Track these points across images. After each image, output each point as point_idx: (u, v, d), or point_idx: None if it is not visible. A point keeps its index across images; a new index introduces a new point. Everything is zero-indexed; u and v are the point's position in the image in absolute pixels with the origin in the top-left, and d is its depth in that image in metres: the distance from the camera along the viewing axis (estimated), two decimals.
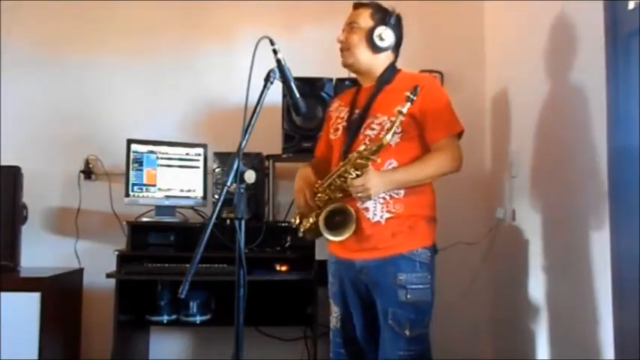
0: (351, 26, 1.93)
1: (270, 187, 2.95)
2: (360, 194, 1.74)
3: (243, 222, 1.53)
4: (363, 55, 1.91)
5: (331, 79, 2.86)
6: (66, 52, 3.20)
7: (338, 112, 2.03)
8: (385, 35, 1.89)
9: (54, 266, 2.93)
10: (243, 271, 1.51)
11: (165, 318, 2.85)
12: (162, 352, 3.11)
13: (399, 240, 1.80)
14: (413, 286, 1.77)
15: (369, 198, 1.76)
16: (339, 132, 1.96)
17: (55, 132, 3.14)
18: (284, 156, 2.86)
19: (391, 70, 1.94)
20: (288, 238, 2.86)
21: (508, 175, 2.68)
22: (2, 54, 3.12)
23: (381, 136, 1.75)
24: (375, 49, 1.90)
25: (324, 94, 2.83)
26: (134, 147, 2.87)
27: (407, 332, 1.77)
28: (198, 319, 2.84)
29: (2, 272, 2.65)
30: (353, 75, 2.10)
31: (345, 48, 1.93)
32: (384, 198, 1.80)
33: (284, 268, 2.67)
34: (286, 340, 3.04)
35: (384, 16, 1.92)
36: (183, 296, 1.41)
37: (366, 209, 1.81)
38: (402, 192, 1.81)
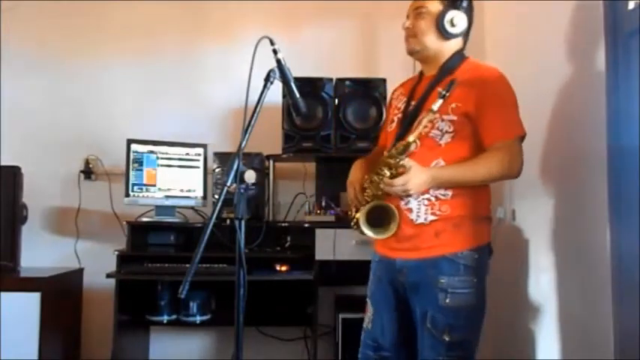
0: (418, 11, 1.78)
1: (270, 187, 2.95)
2: (400, 194, 1.67)
3: (243, 222, 1.53)
4: (432, 43, 1.78)
5: (331, 79, 2.87)
6: (66, 51, 3.20)
7: (397, 101, 1.90)
8: (457, 20, 1.75)
9: (54, 266, 2.93)
10: (243, 271, 1.51)
11: (165, 318, 2.86)
12: (162, 352, 3.11)
13: (442, 240, 1.70)
14: (455, 290, 1.67)
15: (409, 197, 1.69)
16: (394, 124, 1.84)
17: (55, 132, 3.15)
18: (284, 156, 2.86)
19: (458, 58, 1.79)
20: (288, 238, 2.86)
21: None
22: (2, 54, 3.12)
23: (416, 135, 1.67)
24: (446, 35, 1.76)
25: (324, 94, 2.83)
26: (134, 147, 2.88)
27: (446, 337, 1.66)
28: (198, 319, 2.84)
29: (2, 272, 2.65)
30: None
31: (412, 35, 1.79)
32: (428, 199, 1.70)
33: (284, 268, 2.67)
34: (286, 340, 3.05)
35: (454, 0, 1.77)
36: (183, 296, 1.41)
37: (410, 210, 1.71)
38: (449, 193, 1.70)
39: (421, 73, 1.89)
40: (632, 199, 1.55)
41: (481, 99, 1.69)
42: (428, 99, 1.74)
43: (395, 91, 2.00)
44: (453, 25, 1.75)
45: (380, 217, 1.73)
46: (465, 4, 1.78)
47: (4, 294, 2.54)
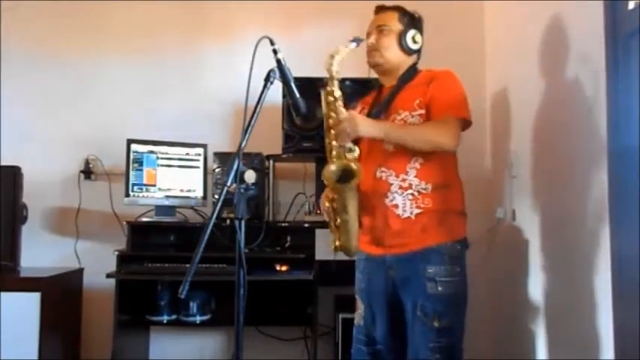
0: (380, 29, 1.97)
1: (270, 187, 2.95)
2: (348, 129, 1.77)
3: (243, 222, 1.53)
4: (394, 57, 1.96)
5: None
6: (66, 51, 3.20)
7: (362, 113, 2.03)
8: (418, 39, 1.97)
9: (54, 266, 2.93)
10: (243, 271, 1.51)
11: (165, 318, 2.86)
12: (162, 352, 3.11)
13: (428, 234, 1.83)
14: (442, 279, 1.79)
15: (355, 133, 1.78)
16: None
17: (55, 132, 3.15)
18: (284, 156, 2.86)
19: (413, 70, 1.99)
20: (288, 238, 2.86)
21: (508, 175, 2.68)
22: (2, 54, 3.12)
23: None
24: (408, 51, 1.96)
25: None
26: (134, 147, 2.88)
27: (435, 324, 1.78)
28: (198, 319, 2.84)
29: (2, 272, 2.65)
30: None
31: (375, 49, 1.97)
32: (412, 194, 1.83)
33: (284, 268, 2.67)
34: (286, 340, 3.05)
35: (412, 20, 1.99)
36: (183, 296, 1.41)
37: (396, 206, 1.84)
38: (429, 187, 1.84)
39: (382, 86, 2.05)
40: (632, 199, 1.55)
41: (433, 89, 1.88)
42: (393, 104, 1.92)
43: (355, 107, 2.11)
44: (415, 42, 1.97)
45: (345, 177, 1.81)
46: (420, 25, 2.02)
47: (4, 294, 2.54)
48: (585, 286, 1.92)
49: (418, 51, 2.01)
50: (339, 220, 1.85)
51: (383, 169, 1.87)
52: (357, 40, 1.87)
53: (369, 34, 2.00)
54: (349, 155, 1.80)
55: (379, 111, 1.94)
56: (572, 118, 2.05)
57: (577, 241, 1.99)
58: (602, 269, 1.79)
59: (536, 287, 2.38)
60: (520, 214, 2.58)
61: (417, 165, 1.85)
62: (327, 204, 1.90)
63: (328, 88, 1.84)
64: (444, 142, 1.83)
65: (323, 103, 1.86)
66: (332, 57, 1.84)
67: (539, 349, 2.33)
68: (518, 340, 2.53)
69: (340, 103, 1.83)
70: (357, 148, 1.82)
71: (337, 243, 1.88)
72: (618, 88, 1.64)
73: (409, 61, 1.99)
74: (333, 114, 1.83)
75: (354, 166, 1.78)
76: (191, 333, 3.12)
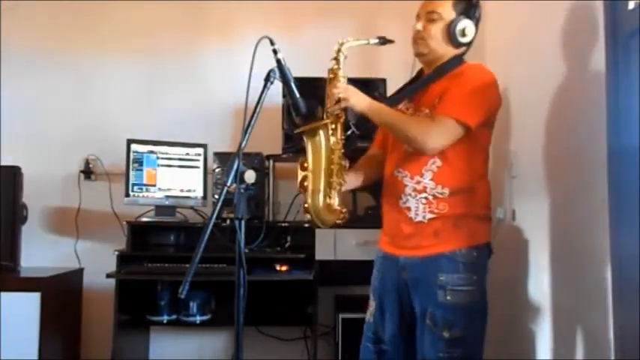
0: (429, 16, 1.79)
1: (270, 187, 2.95)
2: (341, 95, 1.72)
3: (243, 222, 1.53)
4: (440, 47, 1.80)
5: None
6: (66, 51, 3.20)
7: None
8: (468, 31, 1.78)
9: (54, 266, 2.93)
10: (243, 271, 1.51)
11: (165, 318, 2.86)
12: (162, 352, 3.11)
13: (441, 238, 1.74)
14: (454, 287, 1.70)
15: (346, 102, 1.72)
16: None
17: (55, 132, 3.15)
18: (284, 156, 2.86)
19: (455, 61, 1.81)
20: (288, 238, 2.86)
21: (508, 175, 2.68)
22: (2, 53, 3.12)
23: None
24: (456, 43, 1.79)
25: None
26: (134, 147, 2.88)
27: (445, 334, 1.69)
28: (198, 319, 2.84)
29: (2, 272, 2.65)
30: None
31: (421, 37, 1.80)
32: (426, 198, 1.74)
33: (284, 268, 2.67)
34: (286, 340, 3.05)
35: (467, 8, 1.78)
36: (183, 296, 1.41)
37: (408, 209, 1.76)
38: (447, 191, 1.73)
39: (421, 72, 1.93)
40: (632, 199, 1.55)
41: (450, 86, 1.74)
42: (421, 100, 1.82)
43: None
44: (464, 34, 1.78)
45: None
46: (477, 14, 1.81)
47: (4, 294, 2.54)
48: (585, 286, 1.92)
49: (468, 43, 1.82)
50: (306, 183, 1.78)
51: (400, 169, 1.80)
52: (382, 40, 1.77)
53: (418, 17, 1.83)
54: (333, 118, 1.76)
55: (397, 98, 1.84)
56: (572, 118, 2.05)
57: (577, 241, 1.99)
58: (602, 269, 1.79)
59: (536, 287, 2.38)
60: (520, 214, 2.58)
61: (434, 167, 1.74)
62: (300, 170, 1.82)
63: (333, 67, 1.79)
64: (425, 144, 1.70)
65: (328, 81, 1.79)
66: (342, 44, 1.79)
67: (540, 350, 2.33)
68: (519, 340, 2.53)
69: (342, 80, 1.76)
70: (343, 114, 1.77)
71: (305, 205, 1.77)
72: (618, 88, 1.64)
73: (456, 52, 1.81)
74: (330, 86, 1.78)
75: (323, 122, 1.76)
76: (191, 333, 3.12)
